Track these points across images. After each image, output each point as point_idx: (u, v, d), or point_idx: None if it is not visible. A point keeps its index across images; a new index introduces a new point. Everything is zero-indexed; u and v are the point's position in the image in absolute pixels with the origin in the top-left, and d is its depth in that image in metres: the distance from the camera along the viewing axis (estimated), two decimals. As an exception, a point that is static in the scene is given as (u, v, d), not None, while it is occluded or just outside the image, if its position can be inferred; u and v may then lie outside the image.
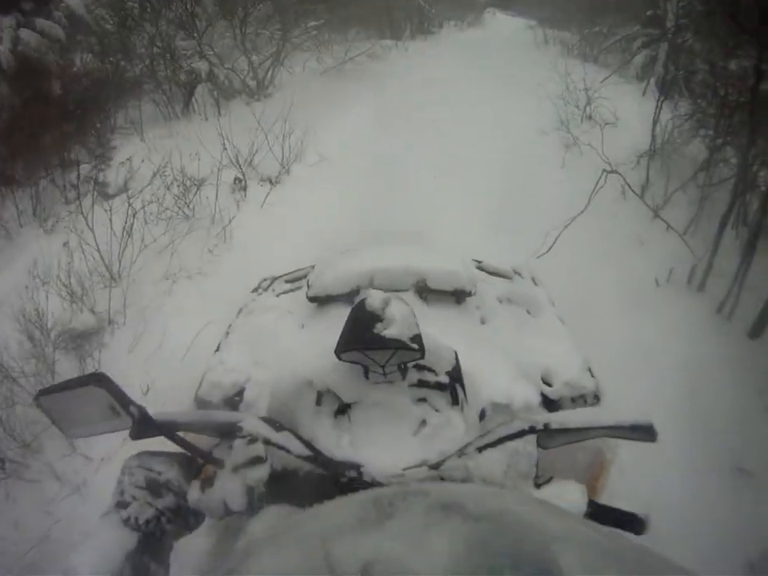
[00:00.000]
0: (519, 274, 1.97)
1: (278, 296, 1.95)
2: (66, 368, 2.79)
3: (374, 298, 0.93)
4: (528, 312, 1.77)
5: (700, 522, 1.98)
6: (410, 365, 0.95)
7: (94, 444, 2.53)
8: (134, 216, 3.39)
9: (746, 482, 2.26)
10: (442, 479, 0.83)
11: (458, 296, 1.66)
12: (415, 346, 0.88)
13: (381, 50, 9.23)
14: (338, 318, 1.45)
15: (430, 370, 0.99)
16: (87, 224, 3.31)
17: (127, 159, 4.92)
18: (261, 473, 0.82)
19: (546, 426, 0.84)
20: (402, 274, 1.66)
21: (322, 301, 1.72)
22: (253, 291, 2.07)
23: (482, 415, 1.09)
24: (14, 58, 6.89)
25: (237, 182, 4.22)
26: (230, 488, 0.81)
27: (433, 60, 9.39)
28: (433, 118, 5.94)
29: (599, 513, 0.81)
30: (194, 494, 0.84)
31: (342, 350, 0.90)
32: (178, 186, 3.90)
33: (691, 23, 6.37)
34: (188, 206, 3.87)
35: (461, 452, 0.86)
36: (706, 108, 4.31)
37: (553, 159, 4.94)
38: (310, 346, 1.41)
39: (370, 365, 0.92)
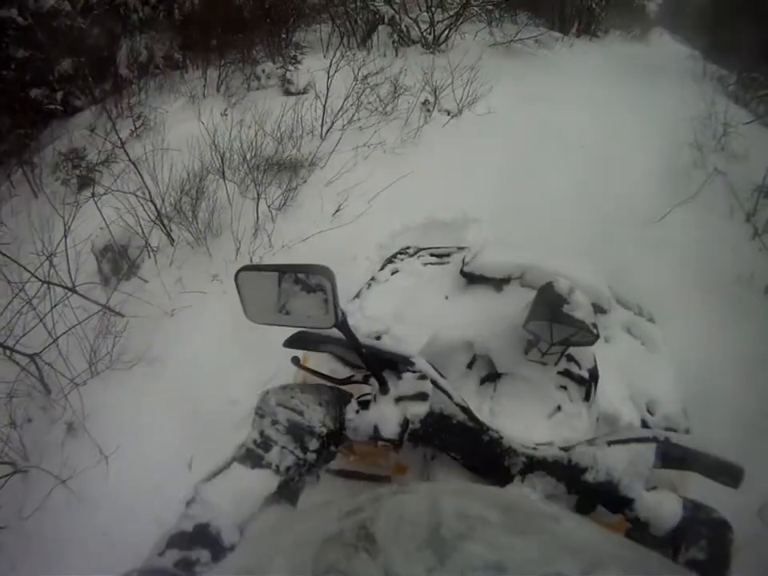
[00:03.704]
0: (641, 309, 2.03)
1: (423, 265, 1.98)
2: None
3: (561, 284, 1.00)
4: (643, 345, 1.84)
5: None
6: (565, 352, 1.01)
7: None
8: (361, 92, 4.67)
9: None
10: (569, 461, 0.86)
11: (595, 311, 1.75)
12: (594, 331, 0.96)
13: (548, 39, 9.62)
14: (485, 298, 1.64)
15: (576, 362, 1.05)
16: (326, 85, 4.63)
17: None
18: (422, 409, 0.83)
19: (666, 439, 0.89)
20: (551, 276, 1.73)
21: (472, 279, 1.74)
22: (398, 253, 2.10)
23: (597, 421, 1.14)
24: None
25: (426, 103, 5.13)
26: (386, 415, 0.82)
27: (594, 62, 9.61)
28: (587, 108, 6.34)
29: (695, 510, 0.85)
30: (351, 412, 0.84)
31: (533, 318, 0.97)
32: (391, 87, 4.99)
33: None
34: (387, 106, 4.97)
35: (591, 441, 0.89)
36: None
37: (681, 170, 5.41)
38: (454, 316, 1.50)
39: (545, 339, 0.97)
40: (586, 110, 6.30)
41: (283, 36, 7.46)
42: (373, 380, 0.86)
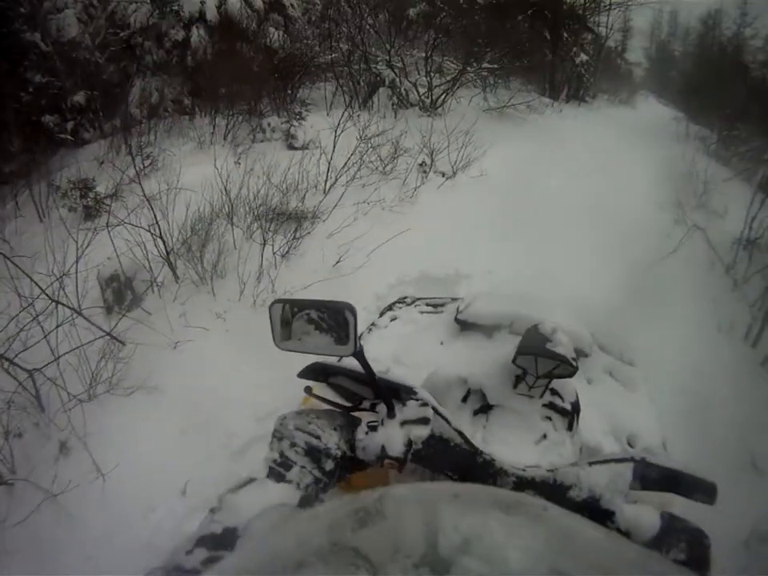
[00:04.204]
0: (622, 354, 2.18)
1: (420, 313, 2.16)
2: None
3: (546, 325, 1.12)
4: (624, 386, 1.98)
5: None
6: (549, 386, 1.12)
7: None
8: (365, 151, 5.01)
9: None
10: (555, 480, 0.95)
11: (576, 354, 1.82)
12: (574, 363, 1.06)
13: (539, 105, 10.22)
14: (477, 343, 1.81)
15: (560, 396, 1.16)
16: (333, 141, 4.96)
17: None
18: (424, 432, 0.92)
19: (642, 459, 0.98)
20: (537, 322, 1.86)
21: (465, 326, 1.93)
22: (396, 302, 2.27)
23: (580, 450, 1.23)
24: (218, 14, 8.33)
25: (423, 165, 5.49)
26: (393, 437, 0.91)
27: (581, 127, 10.18)
28: (574, 171, 6.84)
29: (672, 522, 0.91)
30: (361, 433, 0.93)
31: (521, 353, 1.08)
32: (390, 149, 5.40)
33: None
34: (387, 166, 5.37)
35: (574, 463, 0.98)
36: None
37: (663, 228, 5.80)
38: (449, 359, 1.60)
39: (531, 372, 1.09)
40: (573, 172, 6.76)
41: (289, 92, 7.90)
42: (380, 407, 0.96)
